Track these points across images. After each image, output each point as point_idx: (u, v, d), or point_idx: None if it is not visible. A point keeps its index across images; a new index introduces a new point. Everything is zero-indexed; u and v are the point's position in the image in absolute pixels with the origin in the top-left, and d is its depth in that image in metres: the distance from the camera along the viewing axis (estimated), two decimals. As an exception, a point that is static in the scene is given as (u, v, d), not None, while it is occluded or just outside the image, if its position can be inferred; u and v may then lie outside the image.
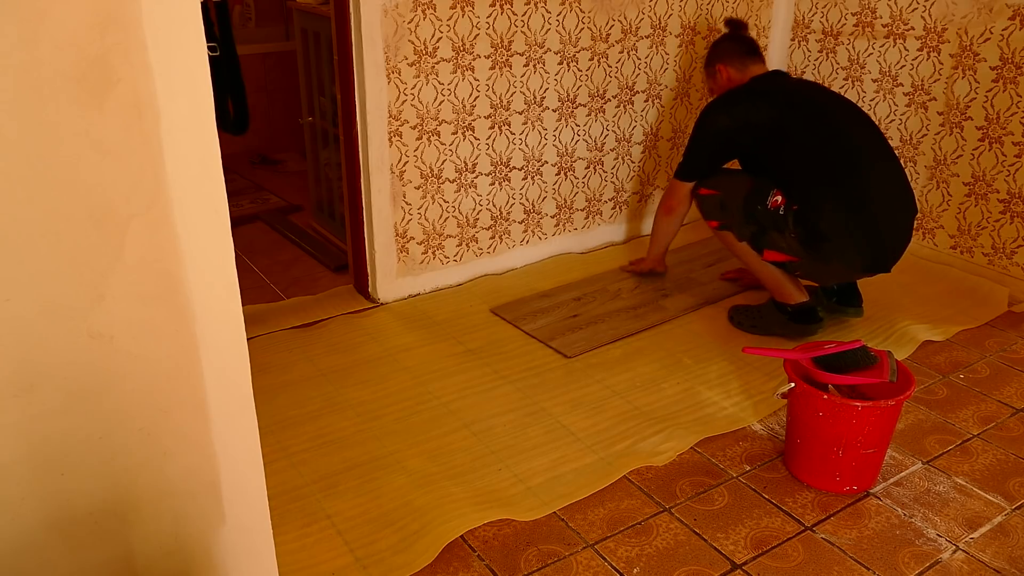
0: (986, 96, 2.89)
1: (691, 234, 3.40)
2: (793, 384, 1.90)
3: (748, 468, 2.02)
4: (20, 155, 0.84)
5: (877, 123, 3.25)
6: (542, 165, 3.05)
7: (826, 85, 3.40)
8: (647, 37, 3.11)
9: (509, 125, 2.89)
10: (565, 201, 3.16)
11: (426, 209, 2.81)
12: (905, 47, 3.09)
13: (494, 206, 2.98)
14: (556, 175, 3.10)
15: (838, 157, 2.40)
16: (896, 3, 3.08)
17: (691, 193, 2.70)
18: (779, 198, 2.42)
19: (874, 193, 2.38)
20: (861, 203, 2.37)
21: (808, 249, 2.40)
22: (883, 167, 2.45)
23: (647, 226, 3.44)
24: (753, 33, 3.44)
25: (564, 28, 2.87)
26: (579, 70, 2.98)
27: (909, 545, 1.78)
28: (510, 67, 2.80)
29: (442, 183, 2.81)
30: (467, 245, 2.97)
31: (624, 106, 3.17)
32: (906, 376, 1.91)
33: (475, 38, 2.69)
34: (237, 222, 3.49)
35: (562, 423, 2.17)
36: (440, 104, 2.70)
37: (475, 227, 2.96)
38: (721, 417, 2.20)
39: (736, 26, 2.77)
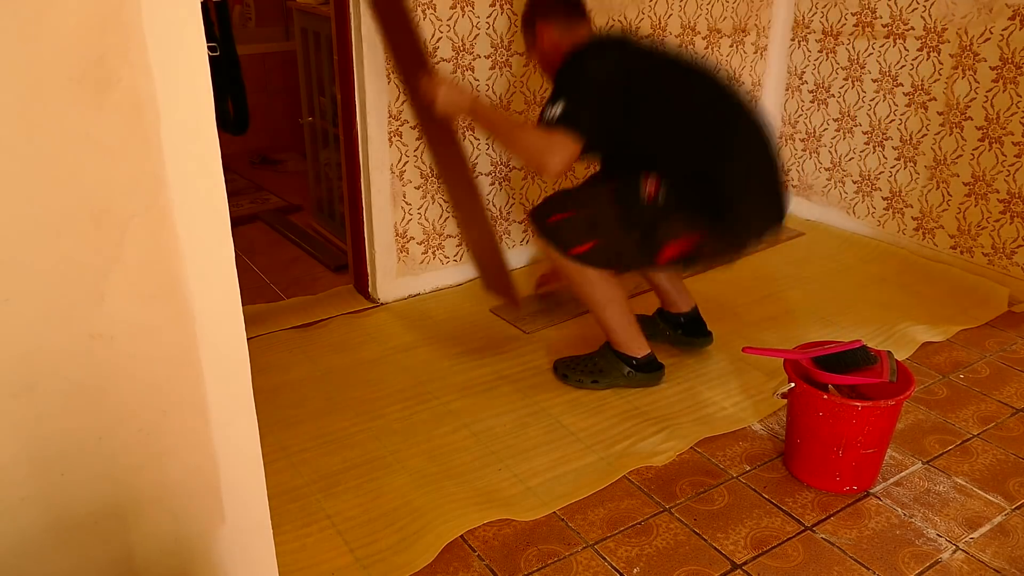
0: (986, 96, 2.89)
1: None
2: (793, 384, 1.90)
3: (748, 468, 2.02)
4: (20, 155, 0.84)
5: (880, 122, 3.25)
6: (542, 165, 3.04)
7: (826, 85, 3.41)
8: (647, 37, 3.11)
9: (509, 125, 2.89)
10: (565, 201, 3.16)
11: (426, 209, 2.81)
12: (905, 47, 3.09)
13: (494, 206, 2.98)
14: (556, 175, 3.09)
15: (718, 106, 2.16)
16: (896, 3, 3.08)
17: (545, 215, 2.22)
18: (650, 187, 2.10)
19: (756, 143, 2.18)
20: (758, 158, 2.16)
21: (714, 219, 2.11)
22: (750, 114, 2.20)
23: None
24: (753, 33, 3.45)
25: (564, 28, 2.87)
26: (579, 70, 2.98)
27: (909, 545, 1.78)
28: (510, 67, 2.80)
29: (443, 183, 2.81)
30: (467, 248, 2.97)
31: (624, 106, 3.17)
32: (906, 376, 1.91)
33: (475, 38, 2.69)
34: (237, 222, 3.49)
35: (562, 423, 2.17)
36: (440, 104, 2.70)
37: (475, 227, 2.97)
38: (721, 417, 2.20)
39: None
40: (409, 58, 2.36)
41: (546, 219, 2.20)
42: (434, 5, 2.56)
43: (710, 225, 2.13)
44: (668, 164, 2.12)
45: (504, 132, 2.23)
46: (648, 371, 2.33)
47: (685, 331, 2.55)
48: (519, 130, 2.22)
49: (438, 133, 2.42)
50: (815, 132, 3.49)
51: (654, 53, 2.23)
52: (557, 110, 2.07)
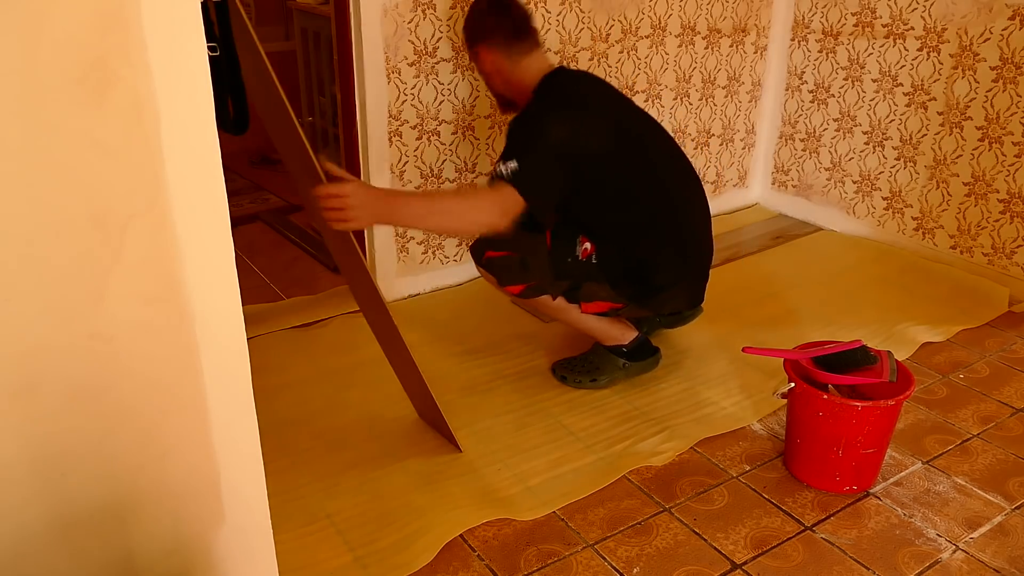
0: (986, 96, 2.89)
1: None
2: (793, 384, 1.90)
3: (748, 468, 2.02)
4: (20, 155, 0.84)
5: (880, 122, 3.25)
6: (542, 165, 3.04)
7: (826, 85, 3.41)
8: (647, 37, 3.11)
9: (509, 125, 2.89)
10: (565, 201, 3.16)
11: (426, 209, 2.81)
12: (905, 47, 3.09)
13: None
14: (556, 175, 3.09)
15: (663, 195, 2.19)
16: (896, 3, 3.08)
17: (482, 251, 2.17)
18: (587, 245, 2.14)
19: (697, 229, 2.24)
20: (692, 245, 2.23)
21: (637, 297, 2.19)
22: (698, 197, 2.27)
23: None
24: (753, 33, 3.45)
25: (564, 28, 2.87)
26: (579, 70, 2.98)
27: (909, 545, 1.78)
28: (510, 67, 2.80)
29: (442, 183, 2.81)
30: (467, 245, 2.97)
31: (624, 106, 3.17)
32: (906, 376, 1.91)
33: (475, 38, 2.69)
34: (237, 222, 3.49)
35: (562, 423, 2.17)
36: (440, 104, 2.70)
37: (475, 227, 2.96)
38: (721, 417, 2.20)
39: None
40: (305, 171, 1.81)
41: (483, 254, 2.19)
42: (434, 5, 2.56)
43: (632, 301, 2.20)
44: (606, 241, 2.16)
45: (444, 210, 2.01)
46: (642, 356, 2.32)
47: None
48: (460, 199, 2.10)
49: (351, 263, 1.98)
50: (815, 132, 3.49)
51: (616, 114, 2.18)
52: (510, 168, 1.97)
